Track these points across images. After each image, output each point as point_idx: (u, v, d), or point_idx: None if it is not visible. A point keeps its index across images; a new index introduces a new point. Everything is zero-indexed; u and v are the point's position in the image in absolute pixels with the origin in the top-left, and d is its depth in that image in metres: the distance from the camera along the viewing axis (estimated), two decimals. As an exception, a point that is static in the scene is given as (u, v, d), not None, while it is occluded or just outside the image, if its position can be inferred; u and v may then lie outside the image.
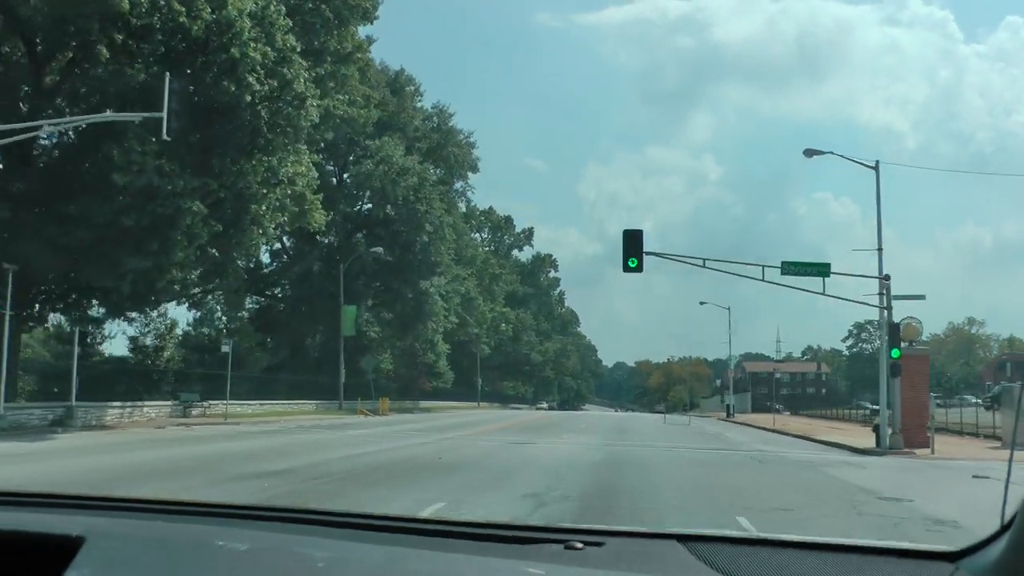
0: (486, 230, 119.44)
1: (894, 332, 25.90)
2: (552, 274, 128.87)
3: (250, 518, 2.14)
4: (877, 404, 59.51)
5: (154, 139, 23.06)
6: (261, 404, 45.16)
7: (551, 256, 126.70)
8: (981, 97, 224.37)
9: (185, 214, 23.32)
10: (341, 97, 33.72)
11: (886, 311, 26.58)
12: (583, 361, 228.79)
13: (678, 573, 1.74)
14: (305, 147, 33.99)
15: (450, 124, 60.58)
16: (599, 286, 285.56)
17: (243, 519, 2.13)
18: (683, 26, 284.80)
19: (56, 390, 30.74)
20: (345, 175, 54.29)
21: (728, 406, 66.76)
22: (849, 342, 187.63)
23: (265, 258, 56.60)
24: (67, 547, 1.67)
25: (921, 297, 27.98)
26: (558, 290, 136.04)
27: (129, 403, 32.94)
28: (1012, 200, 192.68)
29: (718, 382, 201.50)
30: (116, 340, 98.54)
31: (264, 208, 28.17)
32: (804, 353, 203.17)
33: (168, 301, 45.86)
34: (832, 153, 28.32)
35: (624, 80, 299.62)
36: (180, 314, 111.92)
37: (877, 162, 27.41)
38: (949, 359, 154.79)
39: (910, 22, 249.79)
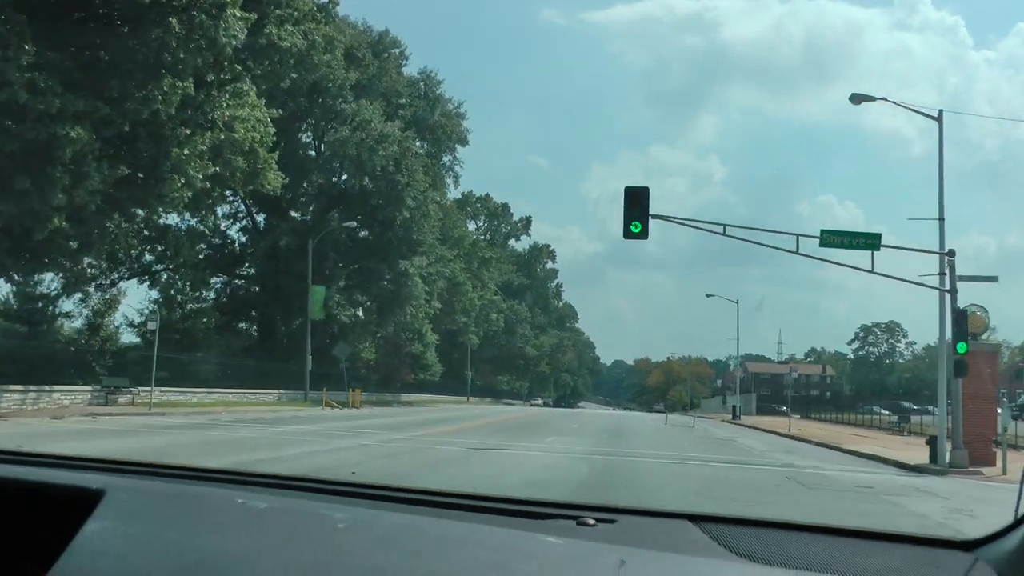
0: (482, 218, 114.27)
1: (960, 321, 20.65)
2: (549, 265, 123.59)
3: (269, 485, 2.17)
4: (887, 411, 54.14)
5: (26, 46, 17.84)
6: (212, 392, 40.02)
7: (548, 247, 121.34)
8: (989, 105, 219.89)
9: (63, 143, 18.13)
10: (291, 28, 28.43)
11: (948, 294, 21.35)
12: (581, 358, 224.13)
13: (690, 552, 1.71)
14: (254, 94, 28.82)
15: (438, 92, 55.04)
16: (599, 285, 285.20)
17: (262, 486, 2.16)
18: (691, 25, 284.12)
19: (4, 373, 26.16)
20: (323, 147, 48.75)
21: (734, 407, 61.49)
22: (855, 345, 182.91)
23: (238, 234, 51.66)
24: (88, 500, 1.71)
25: (994, 279, 22.74)
26: (555, 282, 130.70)
27: (34, 387, 27.75)
28: (1018, 208, 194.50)
29: (719, 382, 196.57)
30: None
31: (186, 152, 22.94)
32: (807, 355, 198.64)
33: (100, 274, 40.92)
34: (885, 99, 23.17)
35: (630, 79, 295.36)
36: (142, 293, 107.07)
37: (940, 111, 22.23)
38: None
39: (920, 27, 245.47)
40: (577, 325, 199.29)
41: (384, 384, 70.22)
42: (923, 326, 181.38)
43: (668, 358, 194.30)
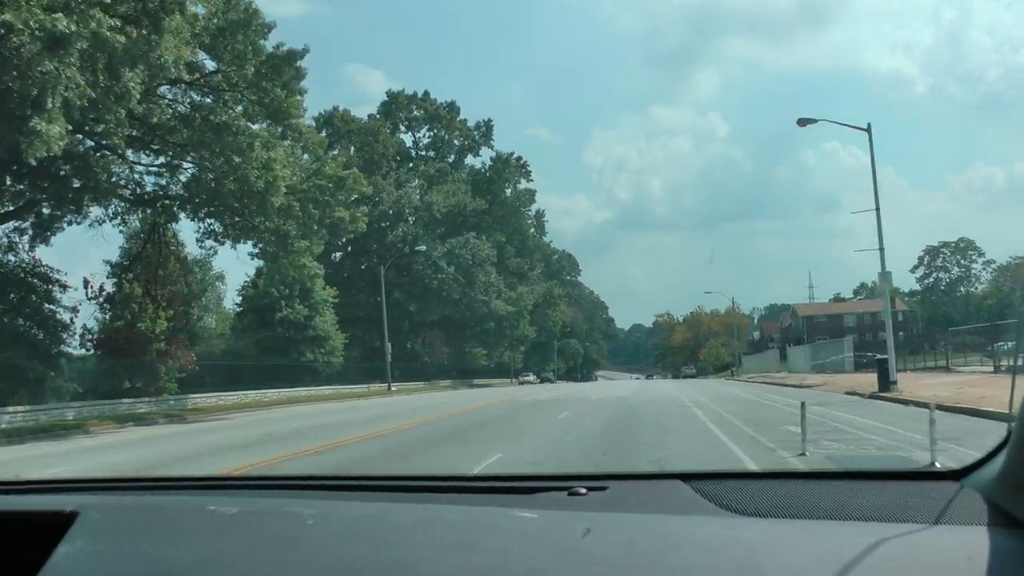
0: (423, 127, 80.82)
1: None
2: (523, 185, 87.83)
3: (240, 487, 2.20)
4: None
5: None
6: None
7: (519, 158, 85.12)
8: (989, 36, 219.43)
9: None
10: None
11: None
12: (591, 320, 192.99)
13: (682, 511, 1.73)
14: None
15: None
16: (611, 252, 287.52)
17: (234, 488, 2.19)
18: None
19: None
20: None
21: (881, 362, 27.67)
22: (919, 272, 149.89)
23: None
24: (61, 523, 1.72)
25: None
26: (534, 209, 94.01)
27: None
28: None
29: (756, 335, 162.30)
30: None
31: None
32: (857, 293, 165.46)
33: None
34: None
35: (625, 41, 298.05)
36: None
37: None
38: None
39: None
40: (579, 279, 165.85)
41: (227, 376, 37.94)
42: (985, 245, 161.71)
43: (695, 311, 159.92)
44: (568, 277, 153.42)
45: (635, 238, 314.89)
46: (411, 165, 74.16)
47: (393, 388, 54.24)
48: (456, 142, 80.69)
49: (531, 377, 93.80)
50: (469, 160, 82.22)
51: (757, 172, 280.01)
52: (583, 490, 1.82)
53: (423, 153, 78.90)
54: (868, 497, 1.68)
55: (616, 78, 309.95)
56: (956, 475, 1.70)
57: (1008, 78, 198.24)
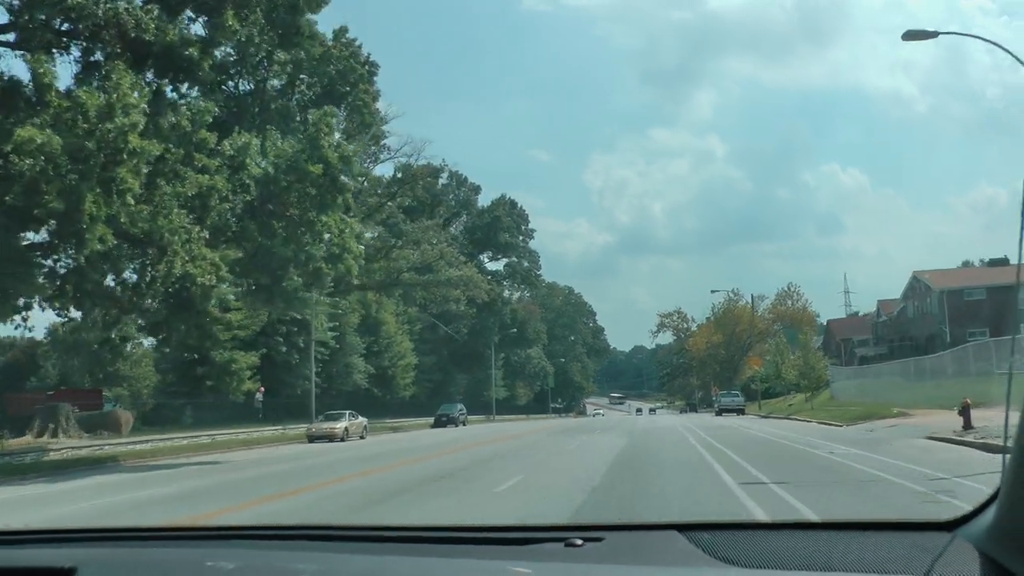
0: None
1: None
2: None
3: (238, 537, 2.14)
4: None
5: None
6: None
7: None
8: (988, 54, 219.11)
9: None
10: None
11: None
12: (569, 327, 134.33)
13: (677, 563, 1.73)
14: None
15: None
16: (613, 276, 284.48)
17: (231, 539, 2.12)
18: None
19: None
20: None
21: None
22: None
23: None
24: None
25: None
26: (364, 49, 36.21)
27: None
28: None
29: (818, 340, 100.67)
30: None
31: None
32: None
33: None
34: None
35: (622, 61, 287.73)
36: None
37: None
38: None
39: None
40: (532, 244, 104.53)
41: None
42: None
43: (729, 295, 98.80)
44: (509, 238, 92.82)
45: (637, 261, 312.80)
46: None
47: None
48: None
49: (340, 424, 35.18)
50: None
51: (757, 192, 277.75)
52: (579, 541, 1.78)
53: None
54: (861, 549, 1.65)
55: (614, 98, 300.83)
56: (949, 526, 1.68)
57: (1007, 96, 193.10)
